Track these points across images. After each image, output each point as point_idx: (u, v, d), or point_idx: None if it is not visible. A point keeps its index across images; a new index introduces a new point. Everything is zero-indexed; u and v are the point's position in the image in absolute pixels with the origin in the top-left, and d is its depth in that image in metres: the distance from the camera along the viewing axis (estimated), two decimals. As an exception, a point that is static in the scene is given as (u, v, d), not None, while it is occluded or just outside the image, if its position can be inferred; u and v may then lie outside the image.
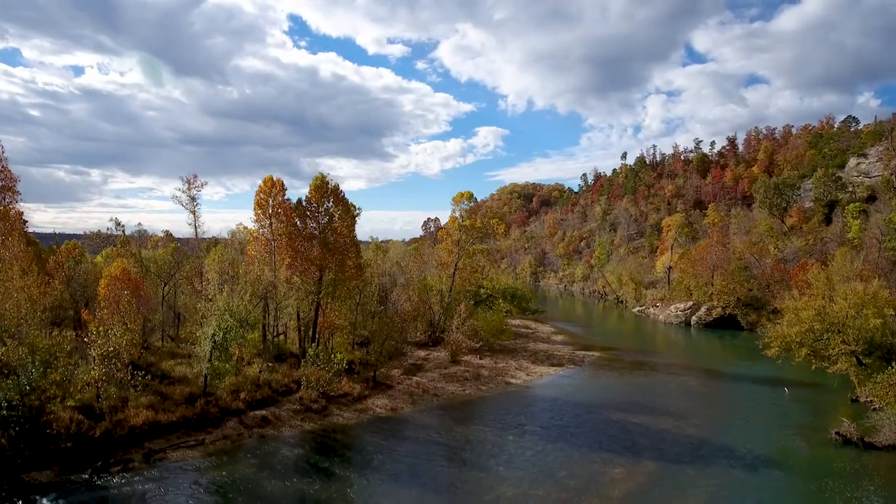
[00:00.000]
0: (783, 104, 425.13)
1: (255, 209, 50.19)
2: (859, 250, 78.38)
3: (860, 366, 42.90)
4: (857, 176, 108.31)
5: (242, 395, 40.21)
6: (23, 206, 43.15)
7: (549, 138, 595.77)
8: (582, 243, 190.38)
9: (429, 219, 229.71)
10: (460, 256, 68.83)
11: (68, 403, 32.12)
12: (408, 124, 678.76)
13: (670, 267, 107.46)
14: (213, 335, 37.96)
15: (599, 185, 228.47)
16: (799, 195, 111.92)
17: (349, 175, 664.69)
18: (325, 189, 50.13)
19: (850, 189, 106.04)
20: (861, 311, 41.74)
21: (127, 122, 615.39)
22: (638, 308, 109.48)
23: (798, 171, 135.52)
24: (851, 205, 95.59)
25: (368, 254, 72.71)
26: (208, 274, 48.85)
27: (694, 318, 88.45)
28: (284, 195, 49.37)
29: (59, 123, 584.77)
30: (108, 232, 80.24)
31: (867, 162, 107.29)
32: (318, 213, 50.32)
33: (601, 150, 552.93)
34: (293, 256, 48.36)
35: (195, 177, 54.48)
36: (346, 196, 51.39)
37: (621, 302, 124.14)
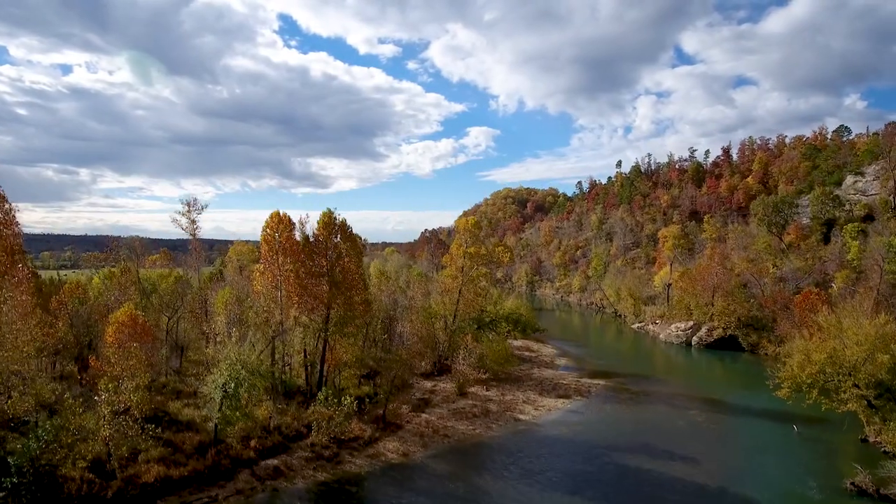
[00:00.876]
0: (771, 105, 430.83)
1: (261, 245, 49.63)
2: (860, 273, 79.06)
3: (871, 408, 43.06)
4: (854, 194, 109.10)
5: (253, 443, 39.61)
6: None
7: (540, 139, 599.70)
8: (578, 252, 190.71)
9: (426, 230, 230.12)
10: (464, 282, 68.43)
11: (79, 465, 31.42)
12: (399, 124, 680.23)
13: (669, 284, 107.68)
14: (224, 385, 37.33)
15: (595, 193, 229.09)
16: (796, 212, 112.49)
17: (340, 175, 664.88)
18: (332, 226, 49.60)
19: (848, 207, 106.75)
20: (872, 354, 41.81)
21: (116, 121, 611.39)
22: (637, 324, 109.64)
23: (794, 185, 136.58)
24: (850, 225, 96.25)
25: (371, 279, 72.18)
26: (216, 316, 48.14)
27: (695, 338, 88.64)
28: (292, 231, 48.78)
29: (47, 122, 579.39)
30: (105, 253, 79.53)
31: (864, 180, 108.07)
32: (327, 249, 49.76)
33: (591, 150, 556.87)
34: (300, 294, 47.74)
35: (195, 200, 55.85)
36: (353, 231, 50.99)
37: (619, 316, 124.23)
